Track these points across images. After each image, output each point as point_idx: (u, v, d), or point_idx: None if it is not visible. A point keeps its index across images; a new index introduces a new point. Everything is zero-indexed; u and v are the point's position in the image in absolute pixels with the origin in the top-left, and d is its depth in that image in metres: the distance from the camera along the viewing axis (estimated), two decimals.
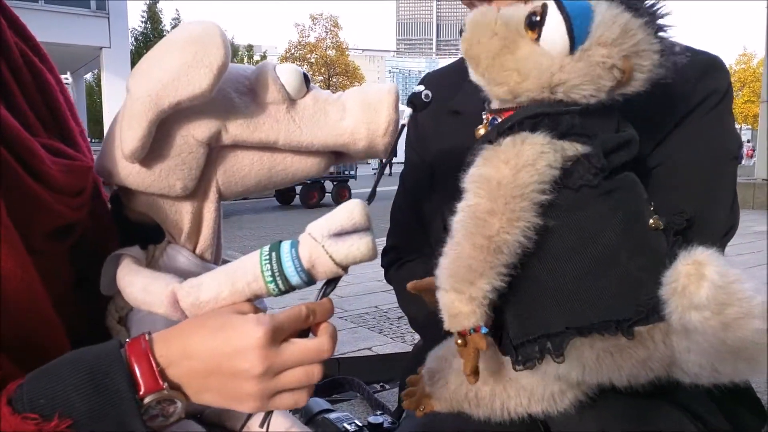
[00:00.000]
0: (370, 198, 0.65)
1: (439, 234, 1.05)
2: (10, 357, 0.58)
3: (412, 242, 1.12)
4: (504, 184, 0.61)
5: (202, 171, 0.69)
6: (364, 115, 0.69)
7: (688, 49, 0.83)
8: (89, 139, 0.85)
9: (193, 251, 0.74)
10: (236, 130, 0.68)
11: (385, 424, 1.26)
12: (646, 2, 0.65)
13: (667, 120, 0.81)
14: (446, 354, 0.80)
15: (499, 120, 0.67)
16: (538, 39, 0.62)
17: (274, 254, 0.60)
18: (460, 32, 0.68)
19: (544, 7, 0.62)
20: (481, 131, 0.69)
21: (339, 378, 1.71)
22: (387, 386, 1.87)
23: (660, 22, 0.65)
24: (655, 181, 0.78)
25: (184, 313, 0.62)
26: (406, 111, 0.70)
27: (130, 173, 0.67)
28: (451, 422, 0.79)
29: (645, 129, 0.70)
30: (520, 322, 0.65)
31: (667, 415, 0.73)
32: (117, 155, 0.67)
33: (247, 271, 0.61)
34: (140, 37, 32.27)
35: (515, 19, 0.64)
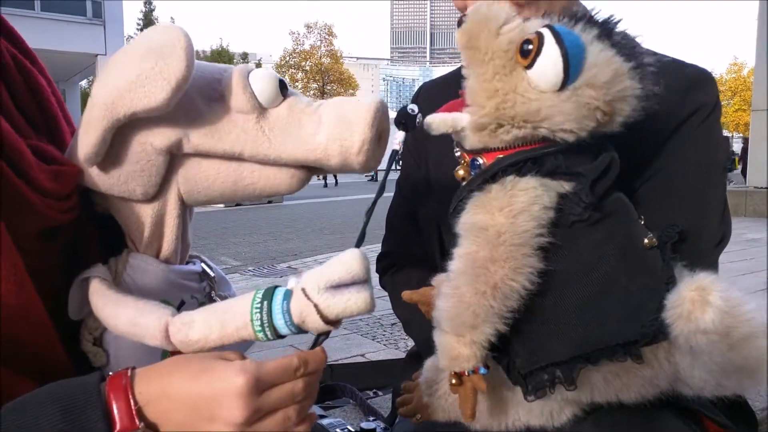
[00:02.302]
0: (370, 211, 0.63)
1: (434, 241, 1.06)
2: (7, 365, 0.58)
3: (407, 248, 1.12)
4: (503, 233, 0.60)
5: (165, 177, 0.68)
6: (339, 131, 0.65)
7: (675, 61, 0.84)
8: None
9: (156, 256, 0.72)
10: (199, 139, 0.65)
11: (378, 430, 1.26)
12: (634, 42, 0.64)
13: (657, 133, 0.82)
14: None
15: (480, 161, 0.65)
16: (529, 67, 0.60)
17: (265, 304, 0.59)
18: (459, 23, 0.65)
19: (541, 37, 0.60)
20: (461, 173, 0.68)
21: (332, 384, 1.71)
22: (380, 392, 1.86)
23: (646, 65, 0.64)
24: (646, 195, 0.79)
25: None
26: (399, 135, 0.67)
27: (91, 175, 0.67)
28: (447, 430, 0.79)
29: (634, 142, 0.70)
30: (526, 351, 0.65)
31: (665, 423, 0.74)
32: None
33: (237, 316, 0.59)
34: None
35: (516, 40, 0.62)
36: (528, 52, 0.60)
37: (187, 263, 0.77)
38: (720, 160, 0.86)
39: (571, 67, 0.59)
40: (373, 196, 0.65)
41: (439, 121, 0.65)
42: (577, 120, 0.61)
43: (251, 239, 7.88)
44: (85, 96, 28.48)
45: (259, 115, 0.66)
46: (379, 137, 0.67)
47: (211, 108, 0.65)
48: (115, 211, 0.70)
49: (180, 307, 0.72)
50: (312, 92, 40.86)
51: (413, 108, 0.66)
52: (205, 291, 0.77)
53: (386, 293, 1.16)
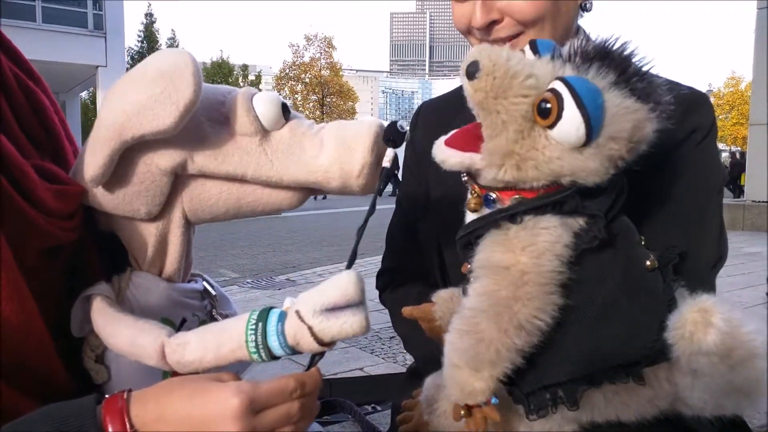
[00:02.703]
0: (361, 230, 0.63)
1: (434, 258, 1.07)
2: (8, 382, 0.58)
3: (407, 265, 1.13)
4: (527, 272, 0.60)
5: (169, 196, 0.69)
6: (339, 154, 0.66)
7: (670, 83, 0.85)
8: None
9: (159, 274, 0.73)
10: (203, 160, 0.66)
11: None
12: (648, 75, 0.63)
13: (653, 155, 0.83)
14: (444, 382, 0.80)
15: (494, 197, 0.64)
16: (550, 127, 0.59)
17: (260, 325, 0.59)
18: (468, 69, 0.61)
19: (559, 98, 0.58)
20: (472, 204, 0.67)
21: (330, 400, 1.70)
22: (379, 407, 1.85)
23: (664, 103, 0.63)
24: (643, 216, 0.79)
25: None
26: (389, 153, 0.68)
27: (95, 194, 0.68)
28: None
29: (631, 165, 0.70)
30: (529, 371, 0.66)
31: None
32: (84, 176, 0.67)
33: (232, 337, 0.60)
34: (136, 56, 32.44)
35: (530, 97, 0.59)
36: (547, 112, 0.58)
37: (189, 281, 0.78)
38: (716, 181, 0.87)
39: (594, 128, 0.57)
40: (379, 208, 0.66)
41: (454, 162, 0.64)
42: (601, 173, 0.61)
43: (250, 251, 7.88)
44: (85, 107, 28.56)
45: (262, 137, 0.67)
46: (379, 160, 0.68)
47: (215, 130, 0.66)
48: (119, 229, 0.71)
49: (181, 325, 0.73)
50: (311, 104, 41.00)
51: (402, 124, 0.67)
52: (207, 309, 0.77)
53: (383, 306, 1.16)
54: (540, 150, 0.59)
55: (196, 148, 0.66)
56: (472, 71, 0.60)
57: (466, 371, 0.63)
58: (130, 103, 0.62)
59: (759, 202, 8.67)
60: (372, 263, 6.49)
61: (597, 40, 0.63)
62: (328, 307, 0.58)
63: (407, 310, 0.84)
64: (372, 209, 0.64)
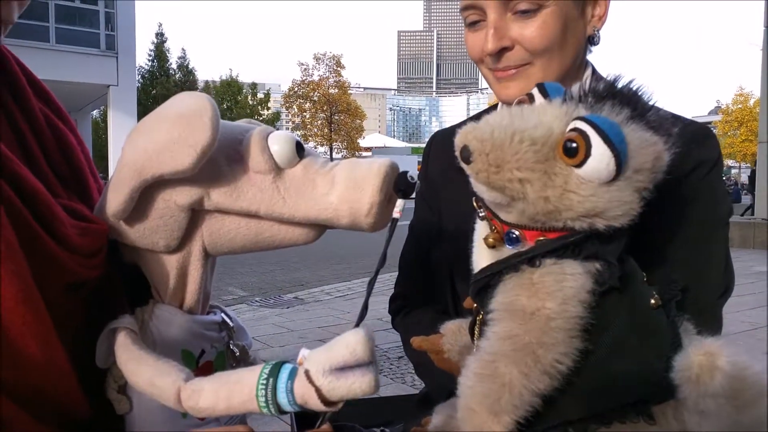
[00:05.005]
0: (371, 284, 0.64)
1: (446, 284, 1.09)
2: (20, 403, 0.60)
3: (418, 290, 1.15)
4: (553, 318, 0.60)
5: (188, 230, 0.71)
6: (349, 193, 0.67)
7: (675, 116, 0.87)
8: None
9: (180, 306, 0.75)
10: (219, 197, 0.68)
11: None
12: (657, 111, 0.64)
13: (659, 188, 0.84)
14: (455, 412, 0.80)
15: (517, 234, 0.64)
16: (578, 166, 0.59)
17: (271, 381, 0.60)
18: (462, 155, 0.62)
19: (584, 134, 0.58)
20: (491, 240, 0.66)
21: (339, 425, 1.71)
22: (387, 430, 1.86)
23: (674, 135, 0.64)
24: (648, 249, 0.81)
25: None
26: (399, 203, 0.69)
27: (117, 228, 0.71)
28: None
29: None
30: (539, 410, 0.65)
31: None
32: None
33: (244, 389, 0.61)
34: (147, 75, 32.78)
35: (548, 142, 0.59)
36: (574, 151, 0.58)
37: (208, 313, 0.80)
38: (722, 214, 0.88)
39: (623, 161, 0.58)
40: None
41: (487, 196, 0.64)
42: (633, 206, 0.61)
43: (258, 269, 7.89)
44: (96, 125, 28.83)
45: (276, 175, 0.69)
46: (389, 199, 0.69)
47: (231, 168, 0.68)
48: (141, 262, 0.74)
49: (201, 356, 0.75)
50: (320, 122, 41.24)
51: (413, 176, 0.68)
52: (225, 340, 0.79)
53: (390, 319, 1.18)
54: (573, 190, 0.59)
55: (212, 185, 0.68)
56: (465, 156, 0.61)
57: (484, 415, 0.63)
58: (151, 144, 0.65)
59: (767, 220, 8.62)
60: (380, 281, 6.47)
61: (605, 78, 0.64)
62: (337, 366, 0.58)
63: (416, 342, 0.86)
64: (383, 260, 0.65)
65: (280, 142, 0.69)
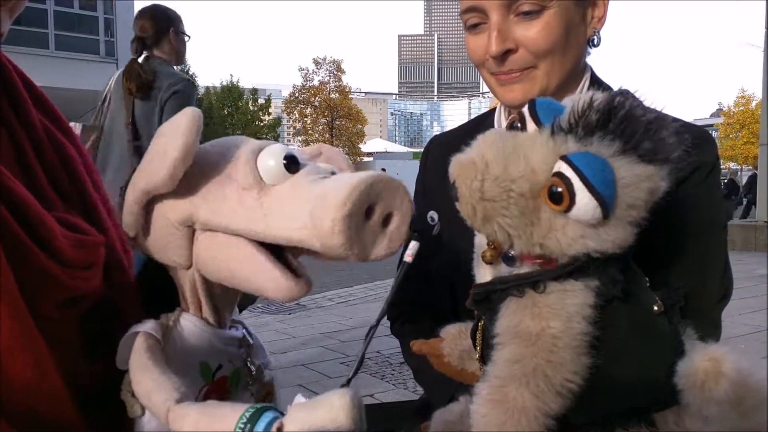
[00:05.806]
0: (372, 331, 0.62)
1: (446, 292, 1.08)
2: (12, 423, 0.59)
3: (418, 297, 1.14)
4: (559, 337, 0.60)
5: (193, 248, 0.69)
6: (313, 206, 0.59)
7: (676, 120, 0.87)
8: None
9: (202, 317, 0.75)
10: (205, 214, 0.66)
11: None
12: (657, 124, 0.61)
13: None
14: (453, 418, 0.80)
15: (514, 254, 0.64)
16: (566, 211, 0.58)
17: (248, 427, 0.57)
18: (452, 192, 0.62)
19: (567, 182, 0.56)
20: (488, 257, 0.66)
21: None
22: None
23: (675, 159, 0.62)
24: (647, 255, 0.81)
25: None
26: (413, 246, 0.64)
27: (140, 242, 0.72)
28: None
29: None
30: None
31: None
32: None
33: (225, 424, 0.59)
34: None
35: (536, 189, 0.59)
36: (559, 196, 0.57)
37: (230, 327, 0.79)
38: (720, 218, 0.88)
39: (609, 206, 0.57)
40: None
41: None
42: (628, 238, 0.60)
43: None
44: None
45: (260, 191, 0.64)
46: (384, 220, 0.62)
47: (221, 184, 0.66)
48: (171, 272, 0.75)
49: (217, 370, 0.74)
50: (321, 127, 41.28)
51: (433, 216, 0.65)
52: (243, 357, 0.78)
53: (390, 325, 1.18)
54: (560, 230, 0.59)
55: (201, 201, 0.67)
56: (455, 195, 0.62)
57: None
58: (144, 159, 0.67)
59: None
60: (382, 287, 6.47)
61: (600, 98, 0.60)
62: (316, 429, 0.54)
63: (416, 346, 0.85)
64: (386, 310, 0.63)
65: (268, 157, 0.65)
